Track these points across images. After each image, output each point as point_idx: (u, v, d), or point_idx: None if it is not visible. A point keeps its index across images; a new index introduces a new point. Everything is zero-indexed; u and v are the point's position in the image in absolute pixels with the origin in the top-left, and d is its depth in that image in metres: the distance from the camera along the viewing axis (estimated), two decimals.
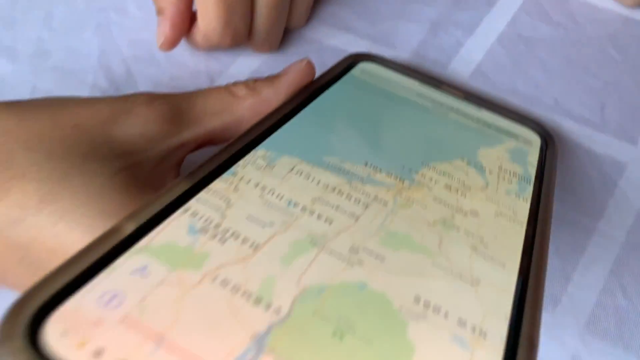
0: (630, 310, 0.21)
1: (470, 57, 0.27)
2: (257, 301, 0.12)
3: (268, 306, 0.12)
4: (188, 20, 0.25)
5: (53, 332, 0.10)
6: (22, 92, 0.26)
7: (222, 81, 0.26)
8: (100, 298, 0.11)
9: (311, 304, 0.12)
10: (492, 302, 0.14)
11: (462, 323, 0.13)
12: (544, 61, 0.27)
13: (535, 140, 0.23)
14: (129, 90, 0.26)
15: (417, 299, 0.13)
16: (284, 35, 0.27)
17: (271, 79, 0.20)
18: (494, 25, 0.28)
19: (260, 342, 0.11)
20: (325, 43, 0.28)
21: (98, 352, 0.10)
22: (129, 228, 0.12)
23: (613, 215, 0.23)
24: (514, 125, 0.23)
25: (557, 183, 0.23)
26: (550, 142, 0.23)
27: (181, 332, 0.11)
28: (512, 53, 0.27)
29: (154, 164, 0.17)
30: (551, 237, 0.22)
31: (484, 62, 0.27)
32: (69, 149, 0.16)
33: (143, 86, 0.26)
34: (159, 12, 0.25)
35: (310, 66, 0.21)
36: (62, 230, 0.15)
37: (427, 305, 0.13)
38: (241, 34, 0.24)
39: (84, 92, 0.26)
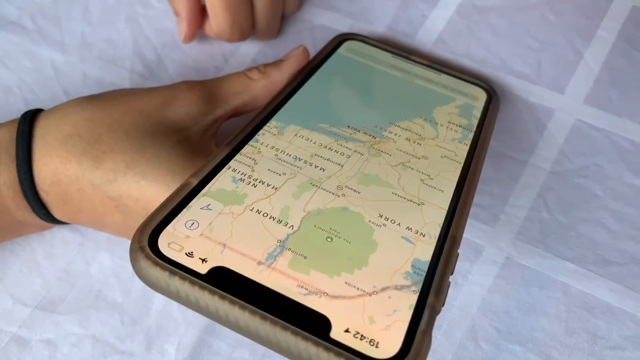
0: (551, 221, 0.28)
1: (433, 27, 0.33)
2: (279, 221, 0.19)
3: (286, 224, 0.19)
4: (201, 17, 0.31)
5: (163, 243, 0.17)
6: (75, 79, 0.33)
7: (234, 60, 0.33)
8: (185, 224, 0.18)
9: (312, 221, 0.19)
10: (431, 215, 0.21)
11: (409, 229, 0.20)
12: (494, 26, 0.33)
13: (482, 96, 0.29)
14: (161, 73, 0.33)
15: (380, 215, 0.20)
16: (281, 18, 0.33)
17: (277, 63, 0.27)
18: None
19: (282, 244, 0.18)
20: (315, 22, 0.34)
21: (190, 254, 0.17)
22: (194, 182, 0.20)
23: (542, 151, 0.30)
24: (466, 85, 0.30)
25: (499, 127, 0.30)
26: (494, 97, 0.30)
27: (235, 241, 0.18)
28: (468, 21, 0.34)
29: (200, 135, 0.24)
30: (493, 169, 0.29)
31: (444, 31, 0.33)
32: (139, 129, 0.23)
33: (172, 68, 0.33)
34: (176, 13, 0.31)
35: (305, 51, 0.27)
36: (143, 185, 0.22)
37: (386, 218, 0.20)
38: (246, 30, 0.30)
39: (124, 76, 0.33)
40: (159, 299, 0.28)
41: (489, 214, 0.28)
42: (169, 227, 0.18)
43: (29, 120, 0.24)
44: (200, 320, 0.27)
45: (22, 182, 0.24)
